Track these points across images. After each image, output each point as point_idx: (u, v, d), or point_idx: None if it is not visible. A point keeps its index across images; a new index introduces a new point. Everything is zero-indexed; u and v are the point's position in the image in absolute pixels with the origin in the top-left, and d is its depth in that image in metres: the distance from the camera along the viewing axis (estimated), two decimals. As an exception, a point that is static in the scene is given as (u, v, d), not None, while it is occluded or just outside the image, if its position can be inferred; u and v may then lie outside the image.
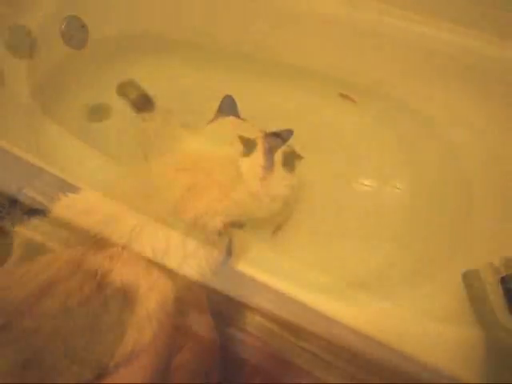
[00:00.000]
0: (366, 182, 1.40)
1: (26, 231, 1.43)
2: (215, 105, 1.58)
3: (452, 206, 1.23)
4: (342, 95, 1.22)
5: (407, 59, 1.34)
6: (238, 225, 1.29)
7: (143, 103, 1.35)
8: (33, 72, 1.42)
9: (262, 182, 1.02)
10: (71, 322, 0.67)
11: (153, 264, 0.64)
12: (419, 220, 1.29)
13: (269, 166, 1.00)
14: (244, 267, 0.86)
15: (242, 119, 1.03)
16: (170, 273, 0.64)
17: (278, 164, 1.02)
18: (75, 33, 1.38)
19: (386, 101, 1.46)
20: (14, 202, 0.94)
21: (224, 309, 1.21)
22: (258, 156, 0.98)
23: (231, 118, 1.02)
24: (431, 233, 1.23)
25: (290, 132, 1.06)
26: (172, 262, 0.85)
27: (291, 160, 1.02)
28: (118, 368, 0.52)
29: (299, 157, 1.08)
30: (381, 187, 1.39)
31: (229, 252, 0.94)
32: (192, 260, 0.85)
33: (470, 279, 0.86)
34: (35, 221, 1.39)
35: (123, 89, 1.43)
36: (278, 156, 1.02)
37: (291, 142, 1.10)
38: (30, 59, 1.41)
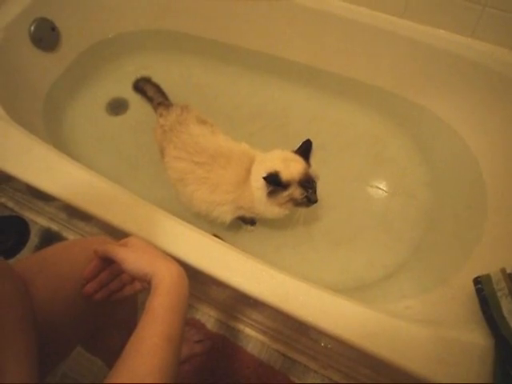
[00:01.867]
0: (381, 186, 1.39)
1: (43, 220, 1.47)
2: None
3: (466, 211, 1.21)
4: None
5: (426, 63, 1.32)
6: (249, 221, 1.31)
7: (159, 99, 1.36)
8: (54, 65, 1.46)
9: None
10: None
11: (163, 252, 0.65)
12: (432, 224, 1.28)
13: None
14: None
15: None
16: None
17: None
18: (45, 35, 1.37)
19: (405, 105, 1.45)
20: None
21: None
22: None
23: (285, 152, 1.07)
24: (444, 237, 1.22)
25: (308, 143, 1.08)
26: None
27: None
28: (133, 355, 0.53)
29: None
30: (394, 192, 1.38)
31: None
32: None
33: (481, 284, 0.85)
34: (51, 209, 1.44)
35: (139, 85, 1.45)
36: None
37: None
38: (53, 52, 1.44)
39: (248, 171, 1.06)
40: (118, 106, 1.60)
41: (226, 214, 1.12)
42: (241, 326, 1.25)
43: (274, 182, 0.99)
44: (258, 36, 1.54)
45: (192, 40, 1.65)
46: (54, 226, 1.46)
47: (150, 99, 1.39)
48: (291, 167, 1.01)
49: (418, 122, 1.45)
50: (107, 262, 0.67)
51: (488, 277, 0.85)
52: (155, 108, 1.32)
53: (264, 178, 0.99)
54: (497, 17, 1.15)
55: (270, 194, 1.01)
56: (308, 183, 1.02)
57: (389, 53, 1.36)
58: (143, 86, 1.43)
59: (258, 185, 1.03)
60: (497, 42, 1.20)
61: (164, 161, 1.16)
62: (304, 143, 1.08)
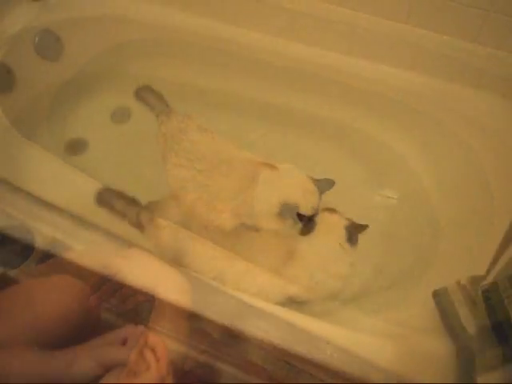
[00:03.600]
0: (386, 193, 1.38)
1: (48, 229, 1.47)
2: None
3: (472, 218, 1.19)
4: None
5: (423, 61, 1.31)
6: (253, 228, 1.29)
7: (161, 107, 1.37)
8: (59, 74, 1.48)
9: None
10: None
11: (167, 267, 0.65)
12: (438, 232, 1.27)
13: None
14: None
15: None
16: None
17: (342, 239, 1.03)
18: (49, 45, 1.40)
19: (410, 111, 1.44)
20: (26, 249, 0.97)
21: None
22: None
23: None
24: (450, 245, 1.21)
25: (330, 182, 1.07)
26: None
27: (355, 234, 1.04)
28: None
29: (362, 227, 1.05)
30: (400, 199, 1.37)
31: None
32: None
33: (439, 296, 0.87)
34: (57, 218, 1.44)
35: (140, 93, 1.45)
36: (341, 231, 1.03)
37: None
38: (57, 62, 1.45)
39: (250, 179, 1.05)
40: (122, 115, 1.60)
41: (227, 222, 1.12)
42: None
43: (298, 216, 1.01)
44: (258, 43, 1.53)
45: (195, 48, 1.66)
46: (59, 236, 1.46)
47: (151, 107, 1.40)
48: (309, 202, 1.02)
49: (424, 129, 1.44)
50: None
51: (445, 289, 0.87)
52: (157, 116, 1.33)
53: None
54: (501, 21, 1.14)
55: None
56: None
57: (391, 58, 1.34)
58: (145, 95, 1.43)
59: (267, 201, 1.04)
60: (501, 46, 1.19)
61: (165, 168, 1.16)
62: (326, 180, 1.07)
